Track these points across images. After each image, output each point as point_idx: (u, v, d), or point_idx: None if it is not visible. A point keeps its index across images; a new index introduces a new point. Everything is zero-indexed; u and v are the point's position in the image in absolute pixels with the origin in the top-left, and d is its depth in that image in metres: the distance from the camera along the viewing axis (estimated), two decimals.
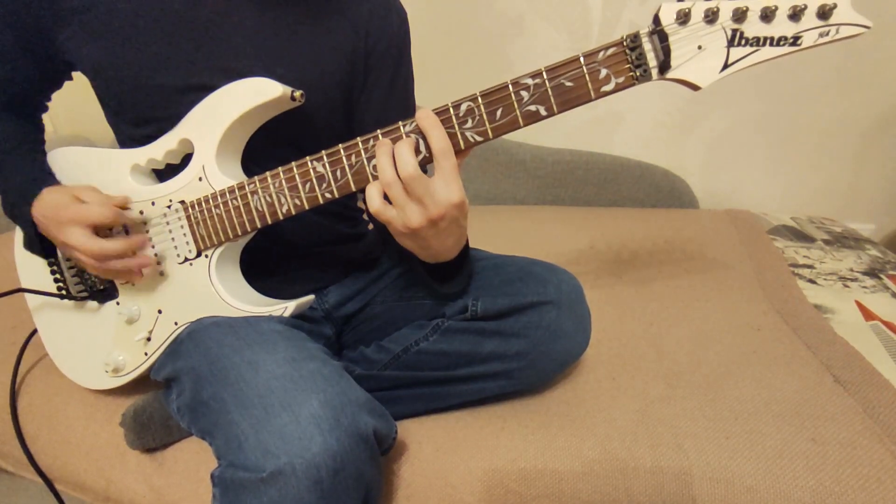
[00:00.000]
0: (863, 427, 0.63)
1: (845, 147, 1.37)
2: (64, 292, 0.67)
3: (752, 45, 0.45)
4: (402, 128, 0.51)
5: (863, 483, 0.57)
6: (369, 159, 0.52)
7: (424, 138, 0.50)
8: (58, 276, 0.67)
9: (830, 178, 1.41)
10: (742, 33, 0.44)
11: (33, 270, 0.69)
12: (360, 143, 0.52)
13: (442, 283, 0.63)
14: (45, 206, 0.58)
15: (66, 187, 0.61)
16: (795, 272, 1.03)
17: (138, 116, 0.60)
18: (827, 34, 0.44)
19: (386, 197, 0.51)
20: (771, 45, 0.44)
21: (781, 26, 0.44)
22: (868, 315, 0.89)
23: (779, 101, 1.33)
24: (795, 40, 0.44)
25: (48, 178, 0.63)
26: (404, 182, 0.48)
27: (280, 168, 0.55)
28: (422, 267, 0.61)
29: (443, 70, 1.39)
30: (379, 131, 0.51)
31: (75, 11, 0.56)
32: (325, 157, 0.53)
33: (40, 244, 0.62)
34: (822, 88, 1.30)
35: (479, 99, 0.49)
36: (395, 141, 0.51)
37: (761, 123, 1.37)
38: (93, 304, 0.67)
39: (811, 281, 1.00)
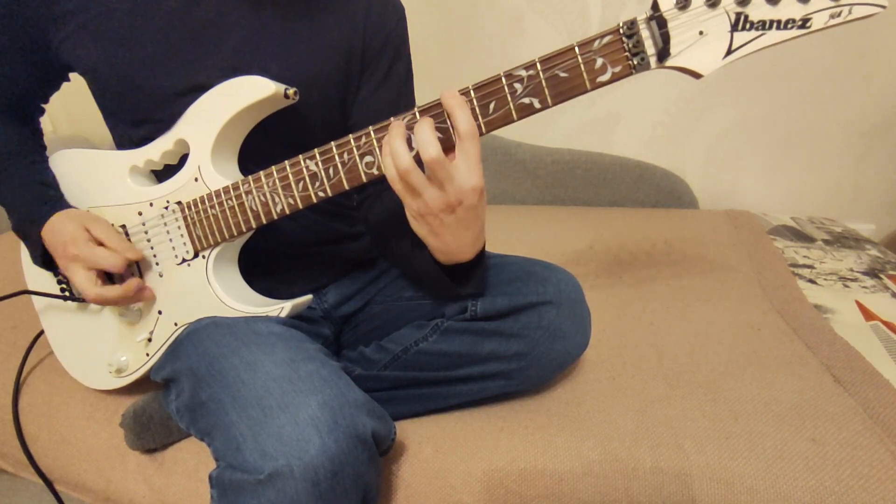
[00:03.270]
0: (863, 427, 0.63)
1: (846, 147, 1.36)
2: (67, 294, 0.67)
3: (757, 29, 0.42)
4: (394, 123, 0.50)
5: (863, 483, 0.57)
6: (362, 157, 0.52)
7: (413, 130, 0.49)
8: (61, 277, 0.67)
9: (830, 178, 1.41)
10: (746, 17, 0.42)
11: (39, 272, 0.69)
12: (351, 141, 0.52)
13: (455, 283, 0.60)
14: (55, 234, 0.59)
15: (78, 214, 0.60)
16: (795, 272, 1.03)
17: (136, 117, 0.60)
18: (839, 15, 0.41)
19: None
20: (778, 28, 0.42)
21: (789, 8, 0.41)
22: (868, 315, 0.88)
23: (779, 101, 1.33)
24: (804, 23, 0.42)
25: (54, 197, 0.63)
26: (427, 166, 0.47)
27: (273, 167, 0.55)
28: (434, 264, 0.59)
29: (442, 69, 1.39)
30: (371, 128, 0.51)
31: (70, 13, 0.56)
32: (317, 156, 0.53)
33: (46, 262, 0.63)
34: (822, 88, 1.30)
35: (472, 92, 0.48)
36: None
37: (761, 123, 1.37)
38: (96, 305, 0.67)
39: (811, 281, 1.00)
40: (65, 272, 0.59)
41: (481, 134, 0.49)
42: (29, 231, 0.61)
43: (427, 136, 0.46)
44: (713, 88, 1.33)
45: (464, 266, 0.57)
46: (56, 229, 0.59)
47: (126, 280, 0.60)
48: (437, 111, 0.49)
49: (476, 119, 0.49)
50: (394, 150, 0.48)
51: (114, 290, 0.58)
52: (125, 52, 0.56)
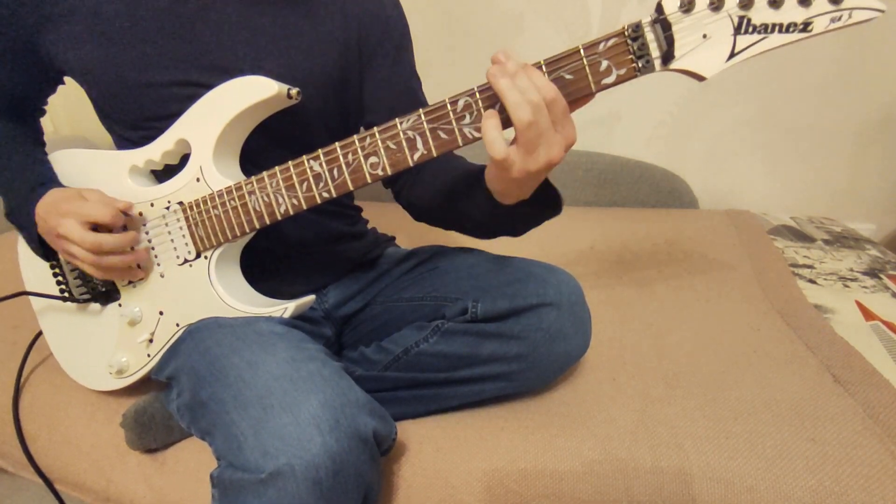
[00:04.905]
0: (863, 427, 0.63)
1: (845, 147, 1.36)
2: (66, 294, 0.67)
3: (759, 33, 0.43)
4: (399, 125, 0.50)
5: (863, 483, 0.57)
6: (366, 157, 0.52)
7: (423, 134, 0.49)
8: (60, 278, 0.67)
9: (830, 178, 1.41)
10: (749, 20, 0.43)
11: (37, 272, 0.69)
12: (356, 142, 0.52)
13: (527, 220, 0.60)
14: (49, 201, 0.58)
15: (73, 188, 0.61)
16: (795, 272, 1.03)
17: (131, 118, 0.60)
18: (839, 19, 0.42)
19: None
20: (780, 32, 0.43)
21: (791, 12, 0.42)
22: (868, 315, 0.88)
23: (779, 101, 1.33)
24: (806, 26, 0.42)
25: (52, 181, 0.62)
26: (549, 107, 0.44)
27: (277, 168, 0.55)
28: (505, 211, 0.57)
29: (442, 69, 1.39)
30: (376, 129, 0.51)
31: (59, 16, 0.56)
32: (321, 157, 0.53)
33: (41, 246, 0.62)
34: (821, 88, 1.30)
35: (477, 94, 0.48)
36: (393, 137, 0.50)
37: (761, 123, 1.37)
38: (95, 306, 0.67)
39: (811, 281, 1.00)
40: (59, 232, 0.57)
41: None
42: (25, 208, 0.60)
43: (541, 79, 0.45)
44: (714, 88, 1.33)
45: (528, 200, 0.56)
46: (51, 197, 0.59)
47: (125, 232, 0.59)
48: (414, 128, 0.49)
49: (481, 120, 0.48)
50: (516, 102, 0.44)
51: (112, 237, 0.57)
52: (117, 53, 0.56)
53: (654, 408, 0.68)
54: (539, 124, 0.44)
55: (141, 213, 0.61)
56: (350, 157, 0.52)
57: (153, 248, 0.62)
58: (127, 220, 0.61)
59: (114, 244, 0.57)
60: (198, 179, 0.58)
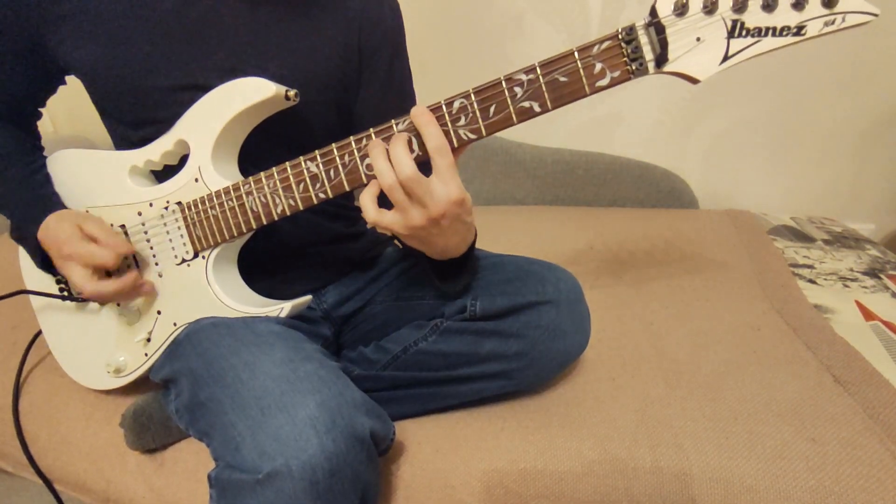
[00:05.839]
0: (863, 427, 0.63)
1: (845, 147, 1.36)
2: (66, 293, 0.67)
3: (753, 36, 0.43)
4: (395, 126, 0.50)
5: (863, 483, 0.56)
6: (362, 158, 0.52)
7: (418, 136, 0.50)
8: (60, 276, 0.67)
9: (830, 178, 1.41)
10: (742, 24, 0.43)
11: (37, 271, 0.69)
12: (353, 143, 0.52)
13: (444, 281, 0.63)
14: (50, 235, 0.59)
15: (71, 214, 0.61)
16: (795, 272, 1.03)
17: (134, 119, 0.60)
18: (832, 23, 0.42)
19: (381, 203, 0.51)
20: (773, 35, 0.43)
21: (784, 16, 0.42)
22: (868, 315, 0.88)
23: (779, 101, 1.33)
24: (799, 30, 0.43)
25: (50, 199, 0.63)
26: (403, 184, 0.47)
27: (274, 168, 0.55)
28: (428, 264, 0.61)
29: (442, 69, 1.39)
30: (372, 130, 0.51)
31: (65, 16, 0.55)
32: (318, 157, 0.53)
33: (45, 265, 0.63)
34: (822, 88, 1.30)
35: (472, 96, 0.48)
36: (387, 140, 0.50)
37: (761, 123, 1.36)
38: (94, 305, 0.67)
39: (811, 281, 1.00)
40: (62, 271, 0.60)
41: (481, 137, 0.50)
42: (26, 233, 0.61)
43: (400, 155, 0.47)
44: (713, 89, 1.33)
45: (456, 260, 0.59)
46: (51, 230, 0.59)
47: (124, 275, 0.60)
48: (411, 128, 0.50)
49: (476, 122, 0.49)
50: (378, 169, 0.48)
51: (110, 285, 0.58)
52: (122, 53, 0.56)
53: (654, 408, 0.68)
54: (395, 195, 0.48)
55: (140, 213, 0.61)
56: (346, 157, 0.52)
57: (151, 248, 0.62)
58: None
59: (113, 292, 0.59)
60: (196, 180, 0.58)
